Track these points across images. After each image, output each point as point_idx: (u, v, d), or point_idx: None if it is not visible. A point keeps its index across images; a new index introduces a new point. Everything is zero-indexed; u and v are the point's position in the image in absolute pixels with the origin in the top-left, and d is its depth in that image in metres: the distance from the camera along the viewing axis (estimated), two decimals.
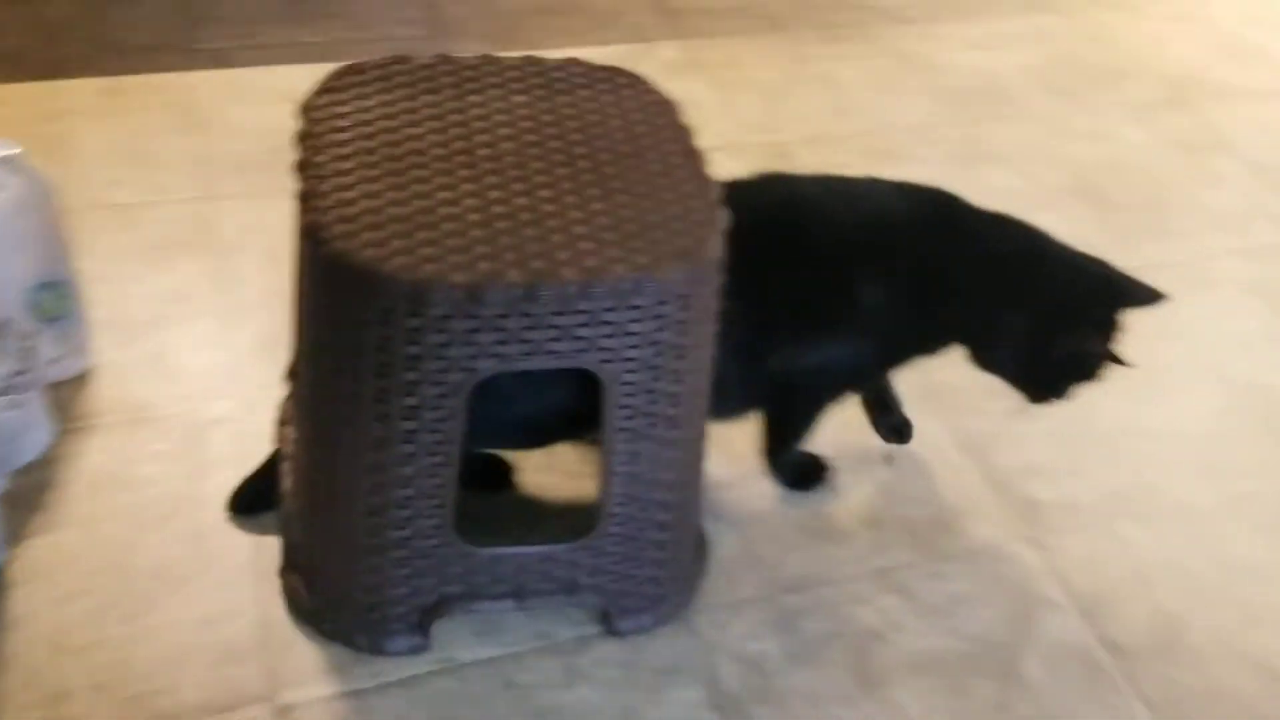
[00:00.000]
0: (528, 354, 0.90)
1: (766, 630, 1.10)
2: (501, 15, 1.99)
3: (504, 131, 1.01)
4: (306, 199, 0.92)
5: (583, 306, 0.89)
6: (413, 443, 0.94)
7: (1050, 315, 1.15)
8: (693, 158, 1.04)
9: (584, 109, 1.06)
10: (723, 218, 0.97)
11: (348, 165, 0.95)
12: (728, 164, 1.69)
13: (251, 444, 1.17)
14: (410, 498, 0.97)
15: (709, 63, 1.91)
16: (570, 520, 1.05)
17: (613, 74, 1.12)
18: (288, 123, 1.00)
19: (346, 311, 0.91)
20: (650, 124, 1.07)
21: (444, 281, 0.86)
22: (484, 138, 1.00)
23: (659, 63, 1.89)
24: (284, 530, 1.12)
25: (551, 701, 1.02)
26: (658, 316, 0.92)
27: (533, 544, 1.03)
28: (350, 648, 1.04)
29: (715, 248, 0.95)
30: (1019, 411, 1.20)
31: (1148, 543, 1.22)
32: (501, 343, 0.89)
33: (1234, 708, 1.08)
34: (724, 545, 1.17)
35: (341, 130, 0.98)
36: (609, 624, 1.07)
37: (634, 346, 0.92)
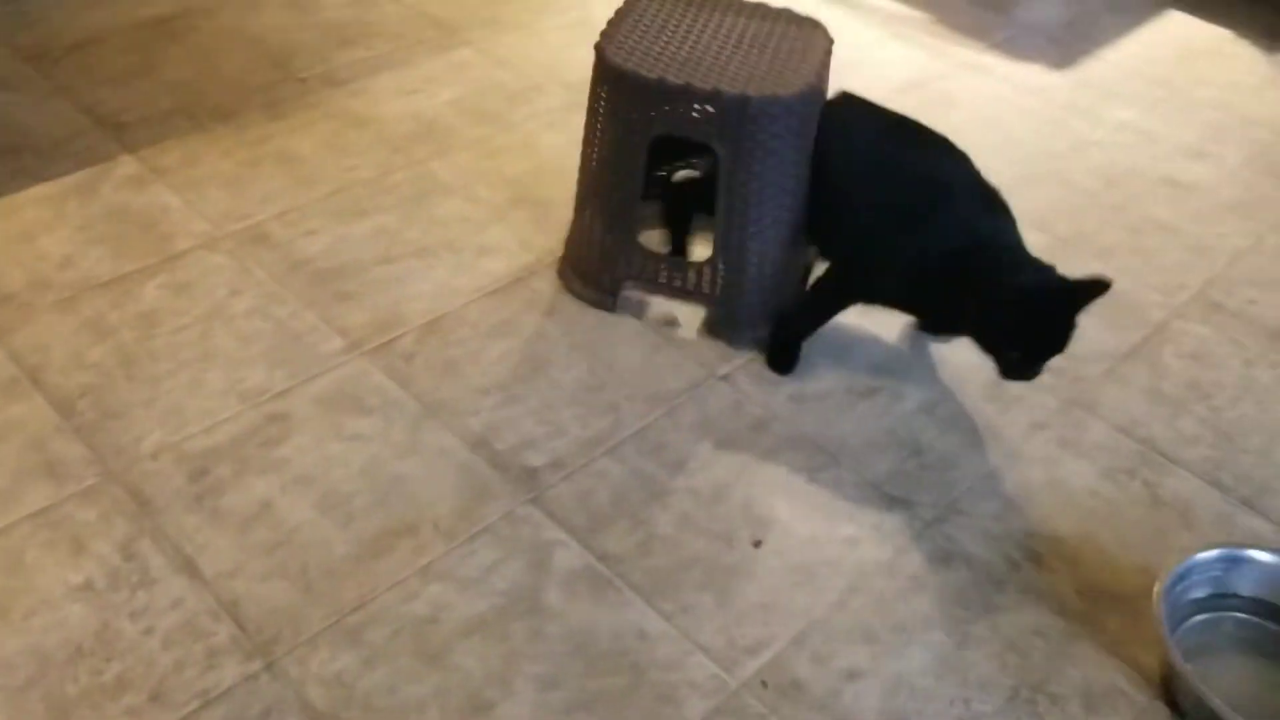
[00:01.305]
0: (680, 126, 1.66)
1: (340, 650, 1.32)
2: None
3: (723, 29, 1.78)
4: (603, 40, 1.73)
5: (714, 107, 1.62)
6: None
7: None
8: (821, 55, 1.75)
9: (770, 25, 1.81)
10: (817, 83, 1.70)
11: (625, 30, 1.74)
12: (210, 258, 1.86)
13: None
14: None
15: (169, 168, 2.05)
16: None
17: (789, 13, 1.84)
18: None
19: (606, 93, 1.73)
20: (804, 38, 1.78)
21: (647, 76, 1.64)
22: (709, 31, 1.76)
23: (120, 179, 2.01)
24: None
25: None
26: (769, 128, 1.64)
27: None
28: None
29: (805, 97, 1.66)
30: (510, 401, 1.50)
31: (619, 472, 1.56)
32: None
33: (703, 571, 1.45)
34: (281, 595, 1.38)
35: (630, 17, 1.78)
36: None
37: (745, 147, 1.64)
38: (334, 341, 1.73)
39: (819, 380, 1.75)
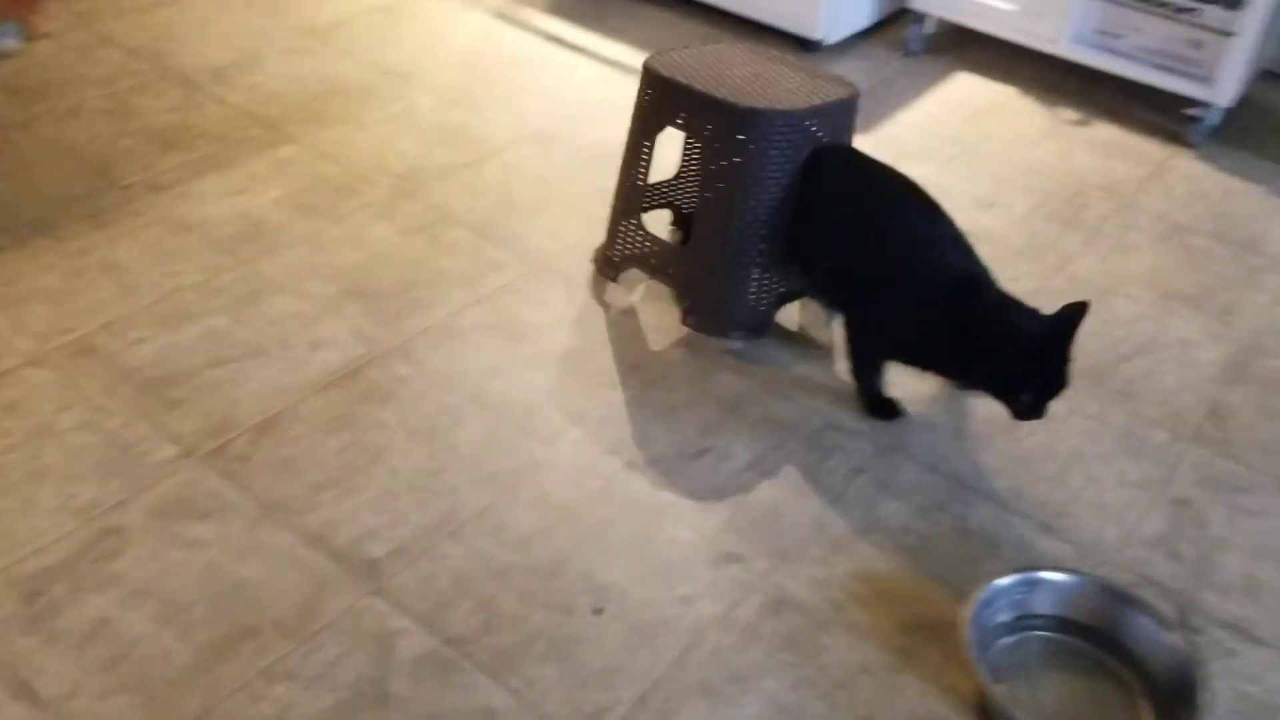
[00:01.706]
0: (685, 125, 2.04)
1: None
2: None
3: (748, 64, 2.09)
4: (649, 66, 2.05)
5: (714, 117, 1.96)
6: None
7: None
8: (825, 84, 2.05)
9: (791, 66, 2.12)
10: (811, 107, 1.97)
11: (666, 59, 2.07)
12: (35, 375, 1.84)
13: None
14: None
15: None
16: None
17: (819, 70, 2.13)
18: None
19: (648, 102, 2.08)
20: (824, 78, 2.07)
21: (678, 81, 1.99)
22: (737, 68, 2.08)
23: None
24: None
25: None
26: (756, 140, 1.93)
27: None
28: None
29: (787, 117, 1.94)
30: (349, 494, 1.53)
31: (460, 554, 1.61)
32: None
33: (546, 643, 1.50)
34: (122, 711, 1.37)
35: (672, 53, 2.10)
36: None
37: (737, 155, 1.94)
38: (166, 449, 1.73)
39: (651, 445, 1.82)
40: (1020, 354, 1.65)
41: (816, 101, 1.95)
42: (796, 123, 1.92)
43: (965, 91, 3.01)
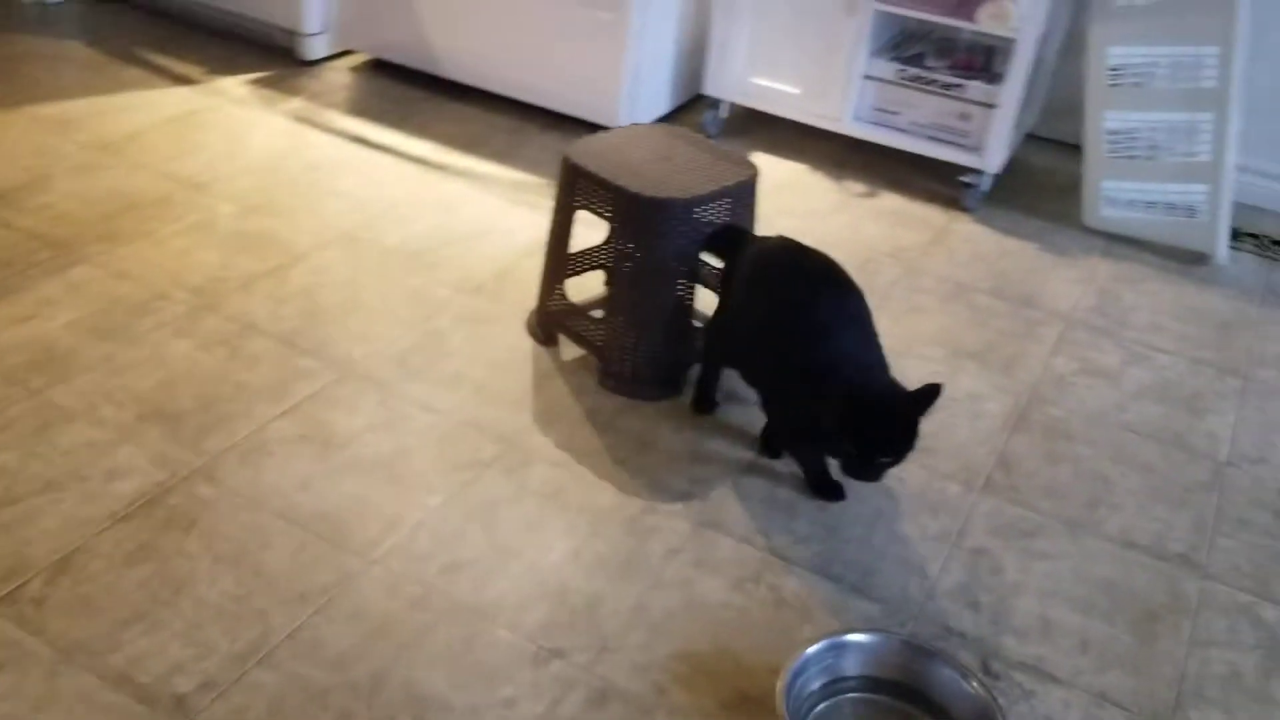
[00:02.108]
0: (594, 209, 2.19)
1: None
2: None
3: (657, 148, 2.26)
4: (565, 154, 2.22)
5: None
6: None
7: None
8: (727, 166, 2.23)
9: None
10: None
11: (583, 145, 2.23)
12: None
13: None
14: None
15: None
16: None
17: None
18: None
19: (564, 186, 2.23)
20: (727, 159, 2.25)
21: (586, 169, 2.16)
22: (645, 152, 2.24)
23: None
24: None
25: None
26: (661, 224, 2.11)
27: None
28: None
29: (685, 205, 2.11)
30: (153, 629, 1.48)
31: (274, 681, 1.57)
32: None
33: None
34: None
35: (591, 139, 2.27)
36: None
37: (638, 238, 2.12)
38: None
39: (469, 547, 1.82)
40: (847, 410, 1.75)
41: (715, 187, 2.11)
42: (695, 208, 2.09)
43: (762, 170, 3.14)
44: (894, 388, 1.82)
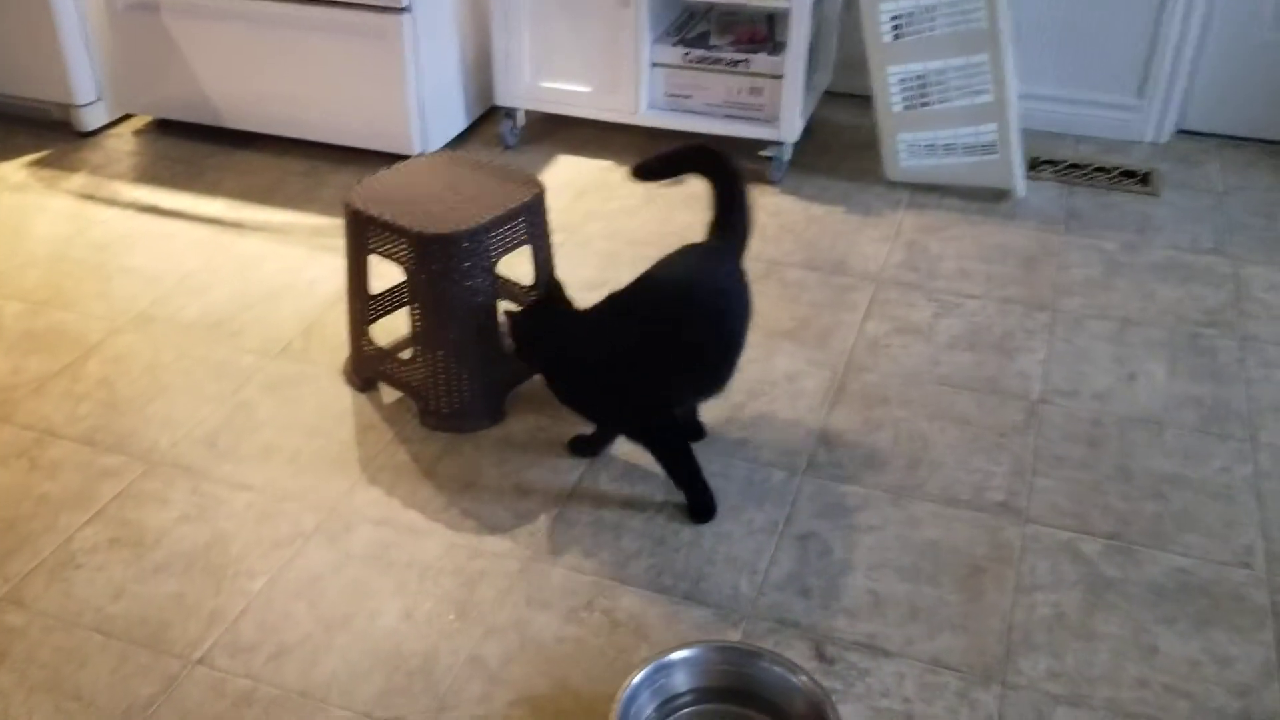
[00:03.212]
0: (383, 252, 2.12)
1: None
2: None
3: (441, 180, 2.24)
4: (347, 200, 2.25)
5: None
6: None
7: None
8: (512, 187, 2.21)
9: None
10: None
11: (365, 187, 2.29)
12: None
13: None
14: None
15: None
16: None
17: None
18: None
19: (352, 232, 2.18)
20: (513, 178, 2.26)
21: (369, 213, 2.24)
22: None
23: None
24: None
25: None
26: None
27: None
28: None
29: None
30: None
31: None
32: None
33: None
34: None
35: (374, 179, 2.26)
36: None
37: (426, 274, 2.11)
38: None
39: (296, 628, 1.78)
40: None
41: (502, 210, 2.11)
42: (481, 236, 2.07)
43: (567, 174, 3.13)
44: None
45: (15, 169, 3.17)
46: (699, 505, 1.97)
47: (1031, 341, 2.44)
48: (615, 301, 1.96)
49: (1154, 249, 2.79)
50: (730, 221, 2.05)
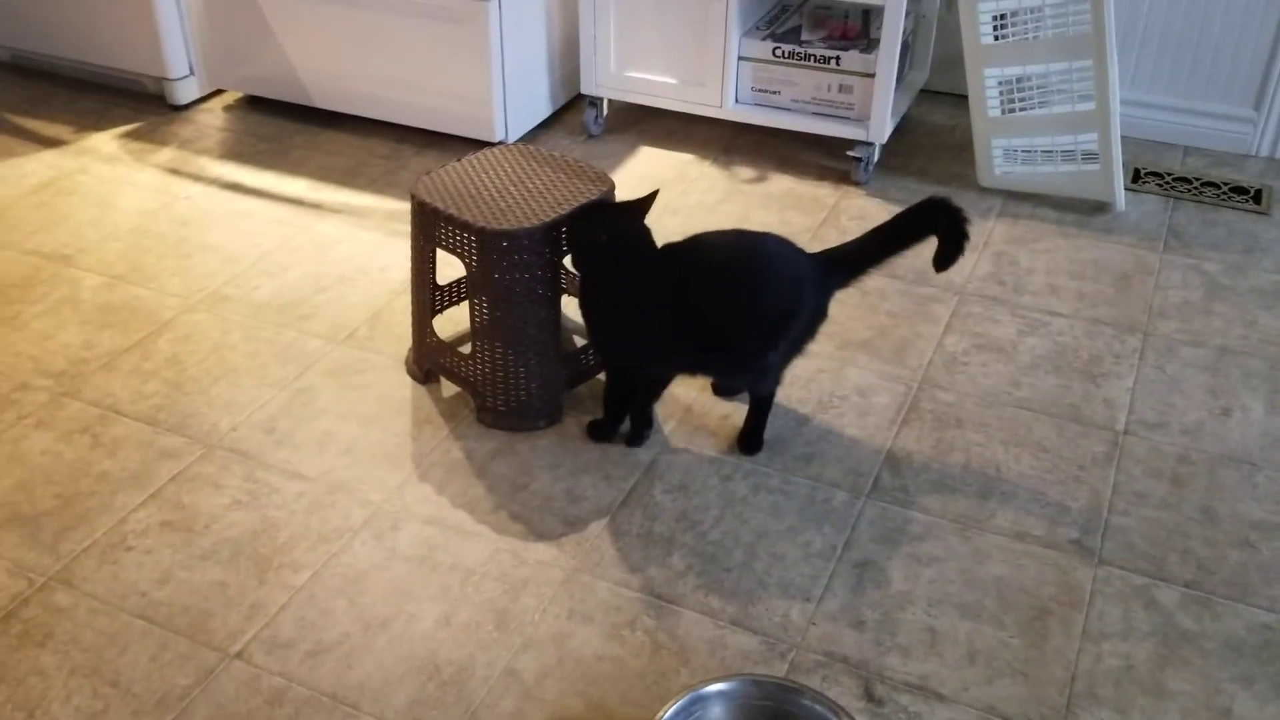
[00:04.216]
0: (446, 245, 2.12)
1: None
2: None
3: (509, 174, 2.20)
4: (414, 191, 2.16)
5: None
6: None
7: None
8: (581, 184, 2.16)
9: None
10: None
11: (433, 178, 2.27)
12: None
13: None
14: None
15: None
16: None
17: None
18: None
19: (417, 223, 2.19)
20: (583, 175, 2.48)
21: (434, 206, 2.15)
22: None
23: None
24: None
25: None
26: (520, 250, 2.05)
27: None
28: None
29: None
30: None
31: None
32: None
33: None
34: None
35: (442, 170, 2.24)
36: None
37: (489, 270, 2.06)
38: None
39: (335, 626, 1.76)
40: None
41: (565, 210, 2.06)
42: (545, 233, 2.02)
43: (649, 165, 3.07)
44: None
45: (108, 140, 3.22)
46: (598, 429, 2.14)
47: (1120, 367, 2.31)
48: (668, 252, 2.02)
49: (1260, 272, 2.62)
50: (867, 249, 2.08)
